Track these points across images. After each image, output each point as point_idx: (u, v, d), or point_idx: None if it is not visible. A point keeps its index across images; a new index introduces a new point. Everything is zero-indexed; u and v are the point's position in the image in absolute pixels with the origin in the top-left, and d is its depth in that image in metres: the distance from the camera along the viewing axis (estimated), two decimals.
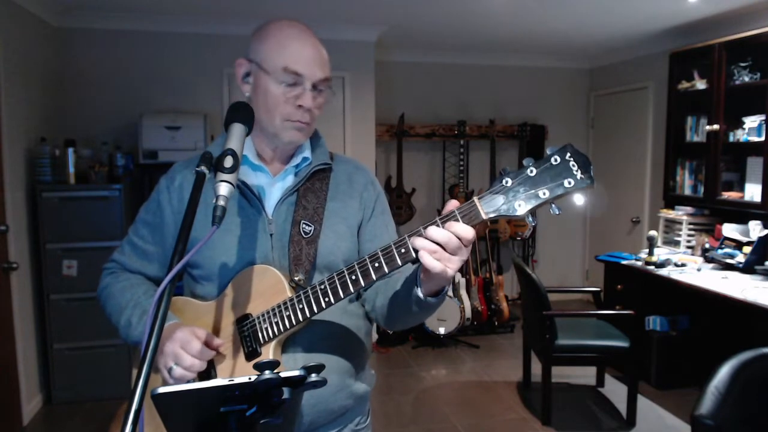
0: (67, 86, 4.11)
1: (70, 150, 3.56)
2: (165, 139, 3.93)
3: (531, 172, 0.91)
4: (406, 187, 5.26)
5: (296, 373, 0.78)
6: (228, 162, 0.97)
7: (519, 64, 5.71)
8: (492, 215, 0.92)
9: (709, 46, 3.97)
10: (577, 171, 0.89)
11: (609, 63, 5.63)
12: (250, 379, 0.75)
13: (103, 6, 3.95)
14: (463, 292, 4.84)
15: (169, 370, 1.06)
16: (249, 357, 1.11)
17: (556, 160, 0.90)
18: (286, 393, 0.77)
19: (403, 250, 0.98)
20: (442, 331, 4.66)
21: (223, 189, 0.94)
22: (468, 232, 0.92)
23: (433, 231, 0.93)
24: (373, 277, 1.01)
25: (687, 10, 3.94)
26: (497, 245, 5.51)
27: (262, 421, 0.77)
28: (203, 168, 0.97)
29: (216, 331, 1.16)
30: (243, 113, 1.06)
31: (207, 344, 1.09)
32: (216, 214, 0.92)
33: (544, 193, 0.90)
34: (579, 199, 0.94)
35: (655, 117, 5.01)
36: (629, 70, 5.36)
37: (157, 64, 4.29)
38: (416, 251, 0.95)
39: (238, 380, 0.74)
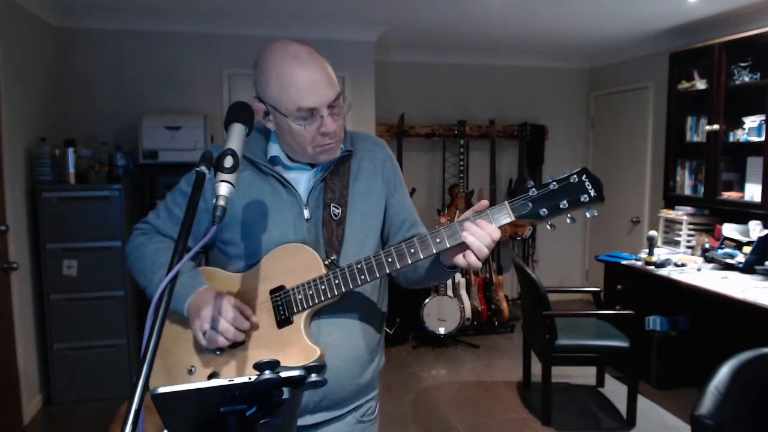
0: (67, 86, 4.11)
1: (70, 150, 3.56)
2: (165, 139, 3.93)
3: (554, 186, 1.08)
4: (406, 186, 5.25)
5: (296, 372, 0.78)
6: (228, 162, 0.99)
7: (519, 64, 5.70)
8: (519, 218, 1.08)
9: (709, 46, 3.97)
10: (591, 189, 1.07)
11: (609, 63, 5.62)
12: (250, 379, 0.75)
13: (103, 6, 3.95)
14: (463, 292, 4.84)
15: (204, 333, 1.14)
16: (281, 324, 1.20)
17: (574, 179, 1.07)
18: (285, 393, 0.77)
19: (438, 240, 1.12)
20: (442, 331, 4.66)
21: (223, 189, 0.98)
22: (498, 233, 1.09)
23: (485, 225, 1.08)
24: (408, 261, 1.13)
25: (687, 10, 3.94)
26: (497, 245, 5.50)
27: (262, 421, 0.77)
28: (203, 168, 0.99)
29: (247, 300, 1.22)
30: (243, 113, 1.08)
31: (242, 315, 1.17)
32: (216, 214, 0.96)
33: (564, 205, 1.07)
34: (591, 213, 1.09)
35: (655, 117, 5.01)
36: (629, 70, 5.35)
37: (157, 64, 4.29)
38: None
39: (237, 380, 0.74)
